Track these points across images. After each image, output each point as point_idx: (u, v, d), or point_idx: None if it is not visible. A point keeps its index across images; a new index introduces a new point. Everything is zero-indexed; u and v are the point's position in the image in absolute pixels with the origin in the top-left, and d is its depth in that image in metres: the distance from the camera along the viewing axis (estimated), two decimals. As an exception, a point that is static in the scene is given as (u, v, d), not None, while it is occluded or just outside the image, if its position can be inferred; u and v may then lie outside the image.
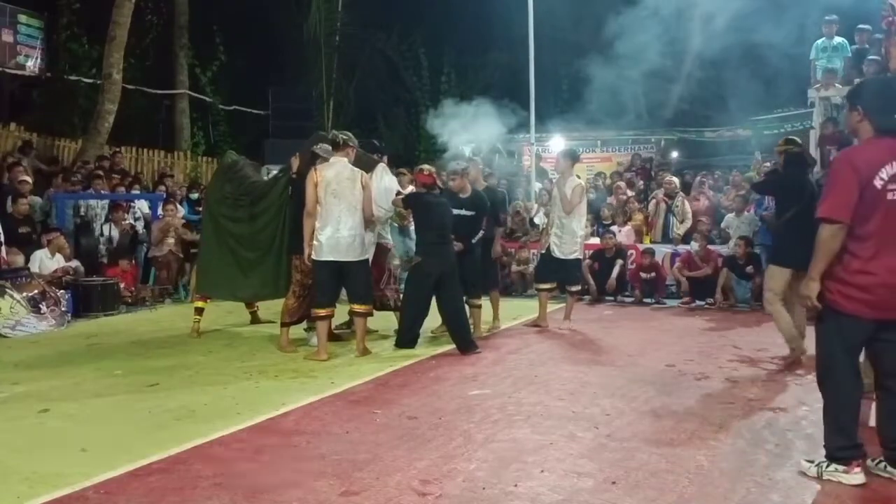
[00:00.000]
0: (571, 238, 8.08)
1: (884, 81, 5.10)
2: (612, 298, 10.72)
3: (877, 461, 3.87)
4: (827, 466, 3.77)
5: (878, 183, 3.64)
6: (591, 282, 10.65)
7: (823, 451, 3.86)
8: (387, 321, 7.72)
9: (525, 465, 3.98)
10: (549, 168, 17.04)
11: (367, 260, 6.81)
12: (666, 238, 11.50)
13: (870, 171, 3.65)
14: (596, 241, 11.17)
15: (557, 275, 8.32)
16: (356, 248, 6.59)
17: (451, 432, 4.56)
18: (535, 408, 5.11)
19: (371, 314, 6.97)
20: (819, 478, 3.76)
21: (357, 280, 6.71)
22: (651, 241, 11.46)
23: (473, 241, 7.65)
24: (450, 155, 8.98)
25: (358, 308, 6.80)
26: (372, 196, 6.82)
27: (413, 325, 7.18)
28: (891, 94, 3.91)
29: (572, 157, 8.57)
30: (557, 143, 17.25)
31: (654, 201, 11.96)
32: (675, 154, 16.78)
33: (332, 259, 6.52)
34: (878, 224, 3.66)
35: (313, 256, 6.56)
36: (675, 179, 12.08)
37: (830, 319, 3.80)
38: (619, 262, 10.68)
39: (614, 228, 11.45)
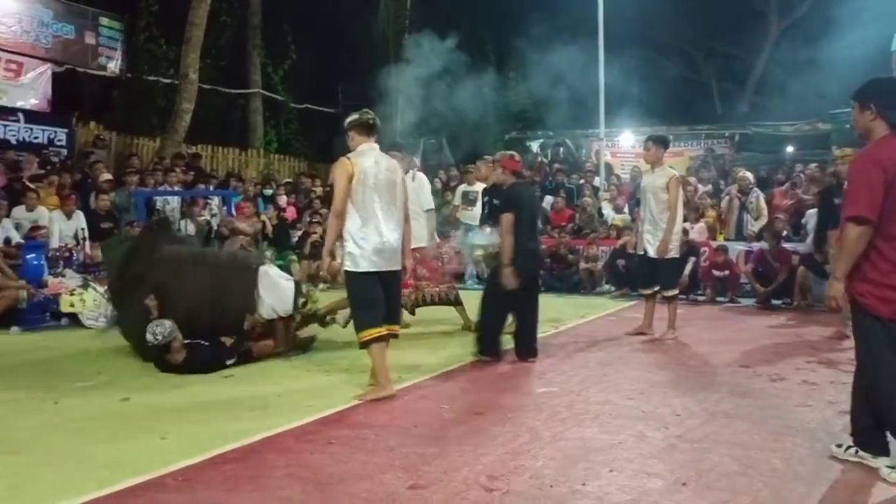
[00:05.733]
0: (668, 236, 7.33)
1: (893, 80, 5.36)
2: (683, 297, 10.51)
3: (845, 447, 3.93)
4: (902, 472, 3.64)
5: None
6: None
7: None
8: (427, 314, 7.78)
9: (593, 464, 3.95)
10: (618, 163, 16.87)
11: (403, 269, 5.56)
12: (740, 235, 11.21)
13: (895, 168, 3.57)
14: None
15: (655, 276, 7.59)
16: (399, 255, 5.38)
17: (518, 429, 4.55)
18: (604, 406, 5.06)
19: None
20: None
21: (397, 294, 5.56)
22: (725, 239, 11.20)
23: None
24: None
25: (394, 329, 5.51)
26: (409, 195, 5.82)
27: (497, 331, 6.53)
28: None
29: (664, 143, 7.61)
30: (627, 137, 17.02)
31: (727, 197, 11.67)
32: (789, 149, 16.33)
33: (378, 270, 5.24)
34: None
35: (351, 268, 5.22)
36: (749, 175, 11.75)
37: (871, 323, 3.69)
38: (692, 259, 10.46)
39: (686, 225, 11.22)
